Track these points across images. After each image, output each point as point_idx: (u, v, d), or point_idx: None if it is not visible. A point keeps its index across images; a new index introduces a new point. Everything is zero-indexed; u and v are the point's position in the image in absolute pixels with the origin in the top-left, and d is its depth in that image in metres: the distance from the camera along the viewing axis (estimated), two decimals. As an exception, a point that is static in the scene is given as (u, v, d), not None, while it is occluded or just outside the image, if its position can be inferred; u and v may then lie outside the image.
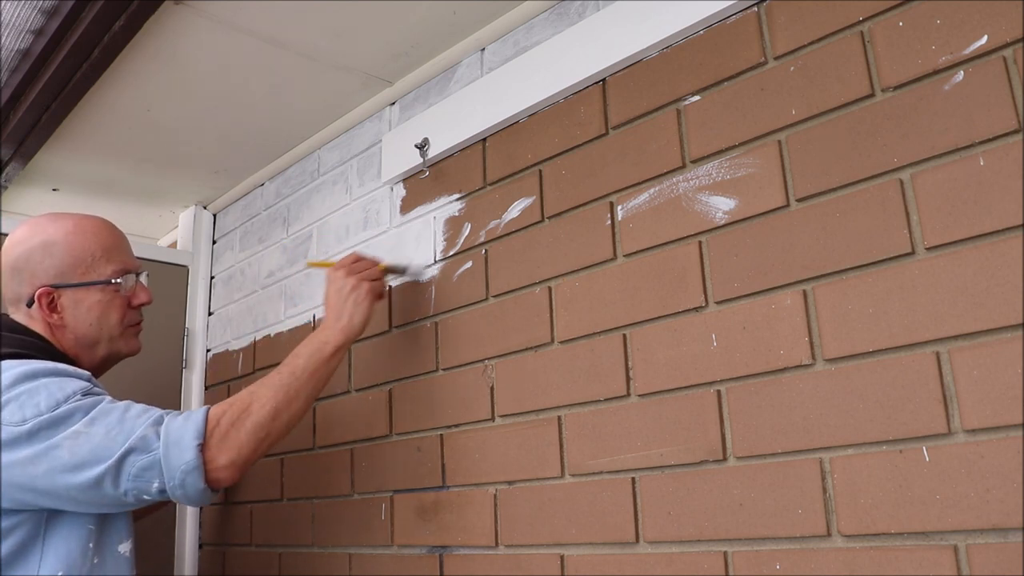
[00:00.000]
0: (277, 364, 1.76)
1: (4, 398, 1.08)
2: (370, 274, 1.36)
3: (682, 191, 1.09)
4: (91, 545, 1.14)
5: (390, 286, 1.54)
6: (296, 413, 1.20)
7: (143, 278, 1.36)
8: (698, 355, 1.03)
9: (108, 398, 1.15)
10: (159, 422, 1.11)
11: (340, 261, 1.38)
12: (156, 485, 1.09)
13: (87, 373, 1.19)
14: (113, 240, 1.33)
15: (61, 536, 1.12)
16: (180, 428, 1.11)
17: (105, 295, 1.28)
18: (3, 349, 1.17)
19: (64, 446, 1.06)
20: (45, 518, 1.12)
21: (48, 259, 1.25)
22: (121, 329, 1.31)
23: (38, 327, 1.25)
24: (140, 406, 1.14)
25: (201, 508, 2.00)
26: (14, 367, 1.13)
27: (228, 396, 1.92)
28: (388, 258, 1.48)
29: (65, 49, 1.35)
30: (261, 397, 1.18)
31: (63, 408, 1.08)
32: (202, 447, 1.10)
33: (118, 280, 1.29)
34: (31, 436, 1.06)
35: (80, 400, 1.11)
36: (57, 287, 1.25)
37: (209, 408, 1.15)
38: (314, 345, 1.25)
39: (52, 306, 1.25)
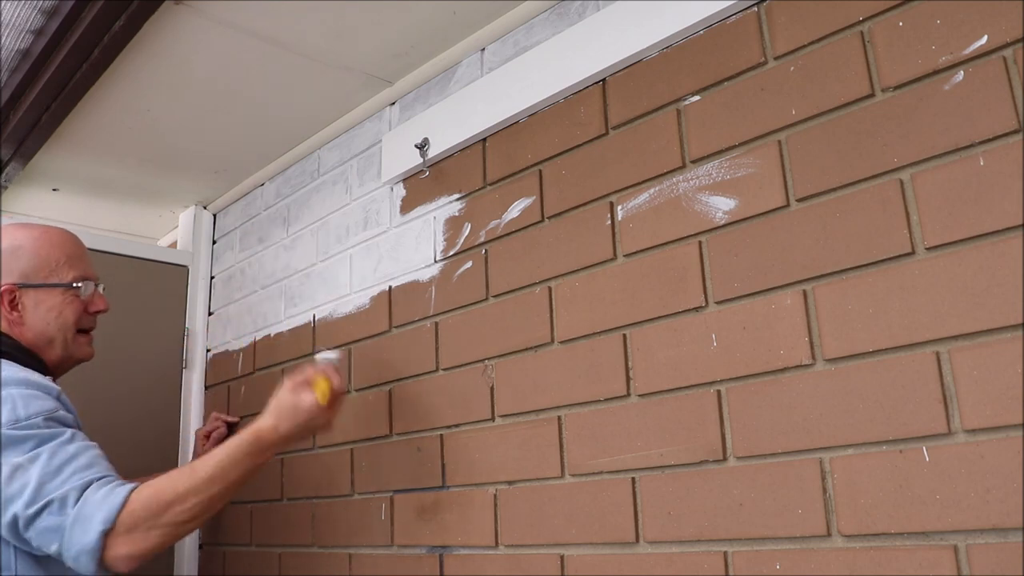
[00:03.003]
0: (277, 364, 1.79)
1: None
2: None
3: (682, 191, 1.09)
4: None
5: (390, 286, 1.54)
6: (211, 514, 1.17)
7: (100, 289, 1.40)
8: (698, 355, 1.03)
9: (66, 434, 1.13)
10: (86, 487, 1.09)
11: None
12: (55, 548, 1.07)
13: (57, 389, 1.20)
14: (76, 250, 1.37)
15: None
16: (94, 506, 1.07)
17: (65, 298, 1.33)
18: None
19: (2, 473, 1.07)
20: None
21: (14, 261, 1.30)
22: (75, 332, 1.35)
23: (2, 325, 1.28)
24: (88, 456, 1.12)
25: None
26: None
27: (228, 396, 1.95)
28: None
29: (65, 49, 1.35)
30: (185, 498, 1.12)
31: (19, 431, 1.09)
32: (107, 534, 1.07)
33: (78, 284, 1.34)
34: None
35: (39, 429, 1.11)
36: (21, 287, 1.29)
37: (132, 492, 1.10)
38: (249, 447, 1.18)
39: (13, 304, 1.29)
